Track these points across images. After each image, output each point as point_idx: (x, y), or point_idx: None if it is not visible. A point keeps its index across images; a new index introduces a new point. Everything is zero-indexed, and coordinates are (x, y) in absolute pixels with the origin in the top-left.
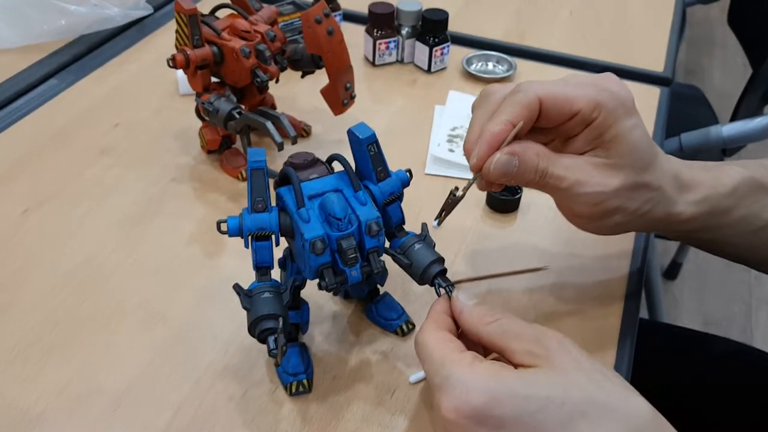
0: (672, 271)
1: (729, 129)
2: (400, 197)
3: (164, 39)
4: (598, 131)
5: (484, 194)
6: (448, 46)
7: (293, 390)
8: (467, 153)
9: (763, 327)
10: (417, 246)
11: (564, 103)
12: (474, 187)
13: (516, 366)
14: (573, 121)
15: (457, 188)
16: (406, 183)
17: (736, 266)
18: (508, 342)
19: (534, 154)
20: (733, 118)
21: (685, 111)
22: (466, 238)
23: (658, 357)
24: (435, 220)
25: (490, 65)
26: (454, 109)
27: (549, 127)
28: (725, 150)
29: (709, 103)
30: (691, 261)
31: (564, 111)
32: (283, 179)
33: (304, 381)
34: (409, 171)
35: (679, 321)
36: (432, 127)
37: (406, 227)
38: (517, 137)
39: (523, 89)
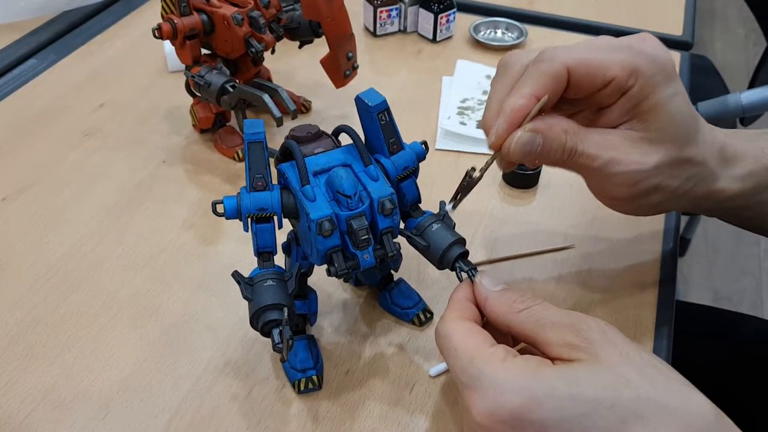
0: (680, 247)
1: (748, 96)
2: (415, 172)
3: (150, 14)
4: (635, 100)
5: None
6: (454, 12)
7: (302, 387)
8: (486, 130)
9: None
10: (435, 226)
11: (596, 70)
12: (495, 167)
13: (553, 360)
14: (606, 90)
15: (473, 168)
16: (421, 156)
17: (745, 241)
18: (542, 332)
19: (561, 131)
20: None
21: (694, 81)
22: (483, 217)
23: (688, 339)
24: (450, 203)
25: (499, 33)
26: (464, 80)
27: (579, 97)
28: (743, 119)
29: (718, 72)
30: (699, 236)
31: (596, 80)
32: (285, 154)
33: (314, 377)
34: (425, 143)
35: (689, 297)
36: (440, 100)
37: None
38: (541, 112)
39: (547, 57)
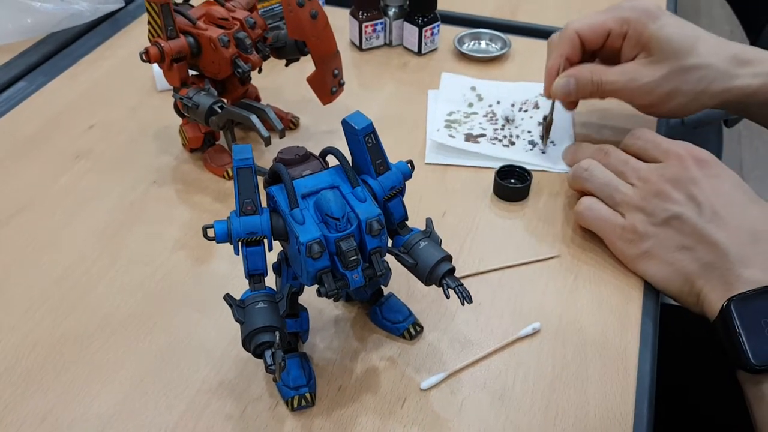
0: None
1: None
2: (401, 191)
3: (138, 33)
4: (634, 39)
5: (491, 184)
6: (438, 25)
7: (295, 405)
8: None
9: None
10: (422, 244)
11: (596, 27)
12: (483, 180)
13: None
14: (611, 39)
15: (544, 117)
16: (407, 176)
17: None
18: None
19: (588, 71)
20: None
21: None
22: (473, 229)
23: (677, 342)
24: (543, 144)
25: (483, 44)
26: (449, 93)
27: (597, 49)
28: (726, 121)
29: None
30: None
31: (600, 34)
32: (274, 177)
33: (307, 394)
34: (410, 162)
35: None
36: (427, 113)
37: (408, 222)
38: (573, 64)
39: (563, 29)
